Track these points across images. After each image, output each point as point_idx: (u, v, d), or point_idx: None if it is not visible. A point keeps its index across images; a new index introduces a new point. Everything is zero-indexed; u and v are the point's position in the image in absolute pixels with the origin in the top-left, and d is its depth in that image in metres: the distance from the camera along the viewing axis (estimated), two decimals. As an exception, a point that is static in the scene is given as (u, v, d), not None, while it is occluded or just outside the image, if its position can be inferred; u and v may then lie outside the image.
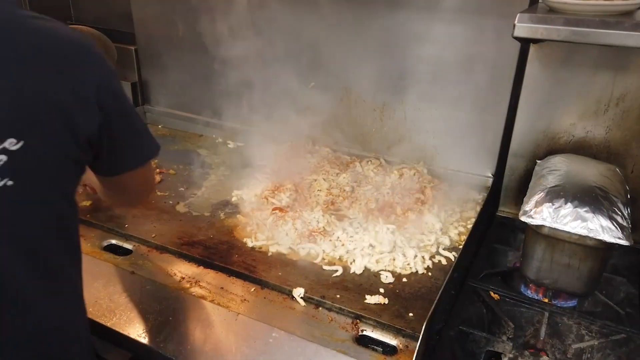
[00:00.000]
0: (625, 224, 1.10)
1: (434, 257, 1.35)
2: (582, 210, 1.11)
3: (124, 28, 2.28)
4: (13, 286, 0.79)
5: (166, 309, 1.18)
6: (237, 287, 1.25)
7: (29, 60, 0.72)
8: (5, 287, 0.78)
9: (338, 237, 1.40)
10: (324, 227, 1.44)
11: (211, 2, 1.94)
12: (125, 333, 1.12)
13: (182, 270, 1.31)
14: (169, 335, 1.11)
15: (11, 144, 0.70)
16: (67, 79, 0.75)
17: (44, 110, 0.73)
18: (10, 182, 0.71)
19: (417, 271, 1.30)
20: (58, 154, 0.78)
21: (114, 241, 1.43)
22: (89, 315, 1.15)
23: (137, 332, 1.12)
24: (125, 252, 1.39)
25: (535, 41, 1.37)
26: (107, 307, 1.17)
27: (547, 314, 1.18)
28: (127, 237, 1.44)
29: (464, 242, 1.39)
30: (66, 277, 0.90)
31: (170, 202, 1.65)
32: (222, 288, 1.25)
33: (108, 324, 1.13)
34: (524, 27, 1.07)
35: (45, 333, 0.86)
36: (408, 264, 1.31)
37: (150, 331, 1.12)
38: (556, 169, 1.28)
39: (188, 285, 1.25)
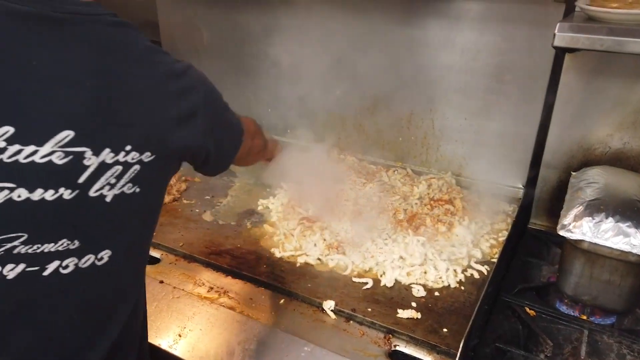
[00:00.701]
0: (670, 239, 1.06)
1: (466, 271, 1.32)
2: (624, 225, 1.07)
3: (150, 36, 2.30)
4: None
5: (196, 319, 1.17)
6: (266, 298, 1.24)
7: (159, 88, 0.79)
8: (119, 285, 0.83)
9: (367, 249, 1.38)
10: (352, 238, 1.42)
11: (237, 12, 1.95)
12: (156, 344, 1.11)
13: (210, 280, 1.30)
14: (200, 347, 1.10)
15: (147, 156, 0.76)
16: (183, 106, 0.83)
17: (168, 129, 0.80)
18: (138, 190, 0.77)
19: (449, 285, 1.27)
20: (169, 170, 0.86)
21: (142, 249, 1.43)
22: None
23: (168, 342, 1.11)
24: (153, 260, 1.39)
25: (572, 50, 1.34)
26: (137, 317, 1.16)
27: (586, 331, 1.14)
28: (155, 245, 1.43)
29: (496, 255, 1.36)
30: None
31: (197, 210, 1.64)
32: (250, 299, 1.24)
33: (138, 334, 1.13)
34: (564, 37, 1.05)
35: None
36: (440, 278, 1.28)
37: (180, 342, 1.11)
38: (594, 182, 1.24)
39: (217, 296, 1.24)
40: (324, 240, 1.42)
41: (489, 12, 1.51)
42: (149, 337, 1.11)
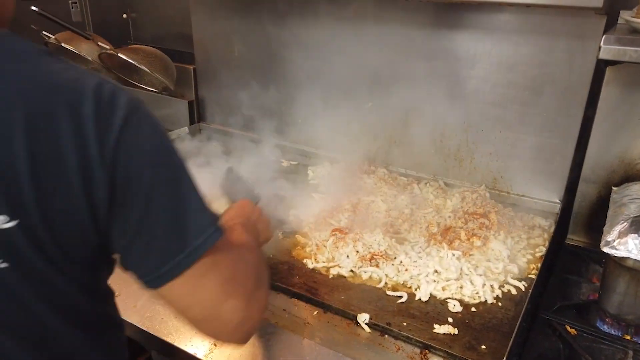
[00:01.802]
0: None
1: (503, 286, 1.29)
2: (672, 243, 1.04)
3: (183, 48, 2.35)
4: None
5: (230, 330, 1.17)
6: (300, 309, 1.23)
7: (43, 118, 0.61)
8: None
9: (401, 262, 1.37)
10: (385, 251, 1.41)
11: (270, 24, 1.97)
12: (192, 352, 1.11)
13: (243, 289, 1.30)
14: (234, 356, 1.10)
15: (3, 220, 0.62)
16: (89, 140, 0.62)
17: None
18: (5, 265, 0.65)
19: (486, 300, 1.24)
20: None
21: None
22: (156, 333, 1.16)
23: (203, 351, 1.11)
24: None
25: (615, 62, 1.31)
26: (172, 325, 1.17)
27: (631, 352, 1.10)
28: (189, 254, 1.44)
29: (534, 271, 1.33)
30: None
31: (229, 219, 1.65)
32: (284, 310, 1.23)
33: (175, 343, 1.13)
34: (610, 49, 1.03)
35: None
36: (476, 293, 1.26)
37: (215, 351, 1.11)
38: (638, 198, 1.21)
39: (250, 306, 1.24)
40: (357, 252, 1.41)
41: (527, 24, 1.50)
42: (184, 346, 1.12)
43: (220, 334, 0.78)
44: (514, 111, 1.59)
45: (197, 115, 2.35)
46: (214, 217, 0.74)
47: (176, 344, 1.13)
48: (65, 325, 0.75)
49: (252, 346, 1.12)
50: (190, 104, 2.31)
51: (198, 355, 1.10)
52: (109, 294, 0.88)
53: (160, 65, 2.19)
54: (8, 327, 0.70)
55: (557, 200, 1.60)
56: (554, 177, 1.59)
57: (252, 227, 1.05)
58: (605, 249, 1.11)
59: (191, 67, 2.29)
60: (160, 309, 1.23)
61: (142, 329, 1.18)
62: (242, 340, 0.81)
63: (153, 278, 0.71)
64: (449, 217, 1.57)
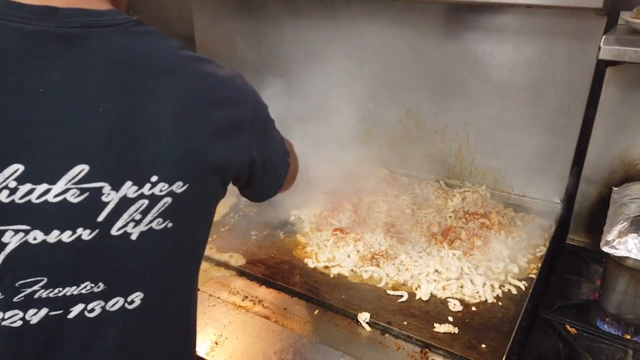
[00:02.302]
0: None
1: (504, 286, 1.30)
2: (672, 243, 1.04)
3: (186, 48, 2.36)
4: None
5: (232, 328, 1.17)
6: (301, 308, 1.24)
7: (194, 98, 0.70)
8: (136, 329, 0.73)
9: (402, 261, 1.37)
10: (386, 250, 1.42)
11: (273, 26, 1.98)
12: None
13: (244, 288, 1.31)
14: (237, 356, 1.10)
15: (178, 186, 0.68)
16: (225, 117, 0.74)
17: (206, 143, 0.71)
18: (170, 225, 0.69)
19: (486, 300, 1.25)
20: (211, 197, 0.77)
21: (177, 257, 1.45)
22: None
23: (205, 350, 1.11)
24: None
25: (615, 63, 1.32)
26: (174, 323, 1.18)
27: (630, 351, 1.11)
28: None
29: (535, 271, 1.34)
30: (190, 318, 0.86)
31: (229, 219, 1.66)
32: (285, 309, 1.24)
33: (176, 341, 1.14)
34: (610, 50, 1.03)
35: None
36: (477, 292, 1.26)
37: (216, 349, 1.12)
38: (638, 198, 1.22)
39: (251, 305, 1.25)
40: (358, 251, 1.41)
41: (527, 25, 1.51)
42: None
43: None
44: (515, 112, 1.59)
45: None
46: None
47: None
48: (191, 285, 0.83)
49: (254, 344, 1.13)
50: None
51: (200, 354, 1.11)
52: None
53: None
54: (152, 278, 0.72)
55: (558, 201, 1.60)
56: (554, 177, 1.59)
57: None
58: (605, 249, 1.11)
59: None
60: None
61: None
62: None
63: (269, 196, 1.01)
64: (450, 217, 1.58)
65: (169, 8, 2.53)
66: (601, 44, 1.04)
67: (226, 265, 1.40)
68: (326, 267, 1.38)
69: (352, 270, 1.37)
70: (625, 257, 1.08)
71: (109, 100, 0.63)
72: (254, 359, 1.09)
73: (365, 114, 1.89)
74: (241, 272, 1.37)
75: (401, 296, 1.26)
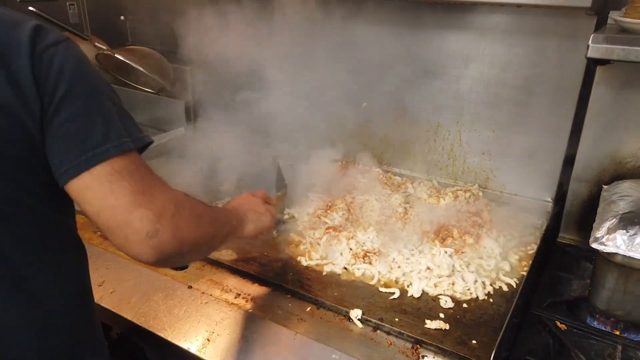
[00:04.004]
0: None
1: (495, 283, 1.31)
2: (660, 239, 1.05)
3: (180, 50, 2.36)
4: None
5: (224, 325, 1.18)
6: (293, 305, 1.24)
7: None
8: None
9: (394, 259, 1.38)
10: (378, 248, 1.42)
11: (266, 27, 1.98)
12: (185, 347, 1.12)
13: (237, 286, 1.31)
14: (228, 353, 1.11)
15: None
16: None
17: None
18: None
19: (477, 297, 1.26)
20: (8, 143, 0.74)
21: (170, 255, 1.45)
22: (150, 328, 1.17)
23: (197, 346, 1.12)
24: (182, 267, 1.41)
25: (604, 62, 1.33)
26: (167, 320, 1.18)
27: (619, 347, 1.12)
28: (184, 252, 1.45)
29: (526, 269, 1.35)
30: (64, 273, 0.87)
31: (224, 218, 1.66)
32: (278, 306, 1.24)
33: (168, 338, 1.14)
34: (598, 48, 1.05)
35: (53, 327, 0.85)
36: (468, 289, 1.27)
37: (208, 346, 1.12)
38: (627, 195, 1.23)
39: (244, 302, 1.25)
40: (350, 249, 1.42)
41: (519, 25, 1.52)
42: (177, 341, 1.13)
43: (129, 244, 0.79)
44: (507, 111, 1.61)
45: (193, 115, 2.36)
46: (137, 133, 0.82)
47: (170, 339, 1.14)
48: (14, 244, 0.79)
49: (245, 341, 1.13)
50: (187, 104, 2.32)
51: (192, 350, 1.11)
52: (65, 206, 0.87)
53: (157, 65, 2.21)
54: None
55: (550, 199, 1.62)
56: (546, 176, 1.61)
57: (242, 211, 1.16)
58: (594, 245, 1.12)
59: (187, 67, 2.30)
60: (154, 305, 1.24)
61: (136, 324, 1.18)
62: (150, 256, 0.80)
63: (61, 173, 0.77)
64: (442, 215, 1.58)
65: (162, 8, 2.53)
66: (590, 42, 1.05)
67: (219, 264, 1.40)
68: (319, 265, 1.39)
69: (344, 267, 1.37)
70: (614, 253, 1.10)
71: None
72: (245, 356, 1.09)
73: (359, 113, 1.90)
74: (234, 270, 1.37)
75: (393, 293, 1.27)
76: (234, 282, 1.33)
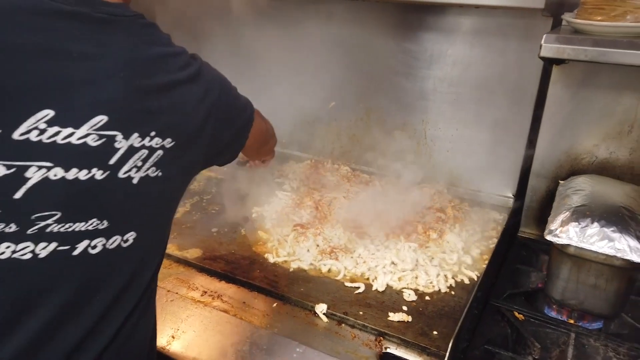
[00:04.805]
0: (653, 244, 1.09)
1: (457, 276, 1.34)
2: (609, 230, 1.10)
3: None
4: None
5: (189, 322, 1.18)
6: (260, 302, 1.25)
7: (175, 79, 0.85)
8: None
9: (360, 255, 1.40)
10: (345, 245, 1.45)
11: (225, 22, 1.99)
12: (149, 345, 1.12)
13: (204, 284, 1.32)
14: (193, 348, 1.11)
15: (168, 142, 0.81)
16: (195, 93, 0.89)
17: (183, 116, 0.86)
18: (160, 174, 0.81)
19: (439, 290, 1.29)
20: (194, 158, 0.91)
21: (136, 254, 1.44)
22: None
23: (161, 343, 1.12)
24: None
25: (560, 62, 1.39)
26: (131, 318, 1.17)
27: (573, 335, 1.16)
28: (150, 250, 1.45)
29: (487, 262, 1.39)
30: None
31: (191, 217, 1.66)
32: (244, 303, 1.25)
33: (132, 336, 1.13)
34: (550, 47, 1.09)
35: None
36: (431, 282, 1.30)
37: (173, 343, 1.12)
38: (581, 189, 1.28)
39: (210, 299, 1.25)
40: (317, 246, 1.44)
41: (480, 26, 1.56)
42: (142, 339, 1.13)
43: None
44: (469, 110, 1.65)
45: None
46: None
47: (134, 337, 1.13)
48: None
49: (211, 337, 1.13)
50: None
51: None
52: None
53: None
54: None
55: (511, 195, 1.67)
56: (507, 172, 1.66)
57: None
58: (549, 237, 1.16)
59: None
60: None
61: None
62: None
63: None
64: (408, 212, 1.61)
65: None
66: (542, 42, 1.09)
67: (186, 262, 1.40)
68: (286, 262, 1.40)
69: (311, 264, 1.39)
70: (567, 244, 1.14)
71: (127, 70, 0.77)
72: (210, 351, 1.10)
73: (327, 112, 1.93)
74: (201, 268, 1.37)
75: (358, 287, 1.29)
76: (200, 280, 1.33)
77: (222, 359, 1.08)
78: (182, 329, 1.15)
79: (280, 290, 1.28)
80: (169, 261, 1.41)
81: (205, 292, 1.28)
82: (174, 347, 1.11)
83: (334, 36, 1.81)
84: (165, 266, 1.39)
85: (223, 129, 0.98)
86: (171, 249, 1.45)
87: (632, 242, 1.08)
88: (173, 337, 1.13)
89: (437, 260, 1.39)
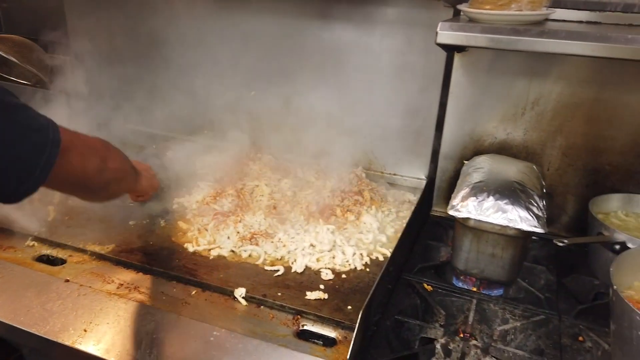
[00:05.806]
0: (540, 214, 1.21)
1: (372, 254, 1.41)
2: (502, 203, 1.20)
3: (59, 39, 2.23)
4: None
5: (103, 314, 1.15)
6: (178, 291, 1.25)
7: None
8: None
9: (280, 239, 1.43)
10: (265, 230, 1.47)
11: (150, 13, 1.95)
12: (59, 341, 1.08)
13: (120, 277, 1.29)
14: (107, 340, 1.09)
15: None
16: None
17: None
18: None
19: (355, 267, 1.35)
20: None
21: (47, 252, 1.39)
22: (20, 325, 1.12)
23: (72, 338, 1.08)
24: (58, 262, 1.35)
25: (458, 49, 1.48)
26: (39, 315, 1.13)
27: (475, 301, 1.26)
28: (61, 246, 1.40)
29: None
30: None
31: (107, 211, 1.61)
32: (162, 292, 1.24)
33: (40, 333, 1.10)
34: (445, 34, 1.16)
35: None
36: (347, 261, 1.36)
37: (85, 336, 1.09)
38: (480, 167, 1.38)
39: (127, 291, 1.23)
40: (238, 233, 1.45)
41: (391, 16, 1.63)
42: (51, 335, 1.09)
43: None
44: (382, 96, 1.72)
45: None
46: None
47: (42, 334, 1.10)
48: None
49: (125, 327, 1.12)
50: (67, 96, 2.19)
51: (65, 343, 1.08)
52: None
53: (32, 56, 2.07)
54: None
55: (423, 177, 1.76)
56: (419, 156, 1.75)
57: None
58: (451, 212, 1.25)
59: (68, 57, 2.18)
60: (27, 301, 1.18)
61: (4, 323, 1.12)
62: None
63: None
64: (328, 196, 1.66)
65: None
66: (438, 29, 1.17)
67: (101, 256, 1.36)
68: (205, 250, 1.40)
69: (231, 250, 1.40)
70: (467, 218, 1.23)
71: None
72: (124, 340, 1.08)
73: (248, 101, 1.93)
74: (117, 262, 1.34)
75: (277, 270, 1.32)
76: (116, 274, 1.30)
77: (137, 347, 1.07)
78: (95, 322, 1.13)
79: (199, 278, 1.28)
80: (84, 256, 1.37)
81: (122, 285, 1.26)
82: (86, 341, 1.08)
83: (252, 25, 1.82)
84: (79, 261, 1.35)
85: None
86: (85, 243, 1.40)
87: (522, 213, 1.19)
88: (85, 331, 1.10)
89: (354, 241, 1.44)
